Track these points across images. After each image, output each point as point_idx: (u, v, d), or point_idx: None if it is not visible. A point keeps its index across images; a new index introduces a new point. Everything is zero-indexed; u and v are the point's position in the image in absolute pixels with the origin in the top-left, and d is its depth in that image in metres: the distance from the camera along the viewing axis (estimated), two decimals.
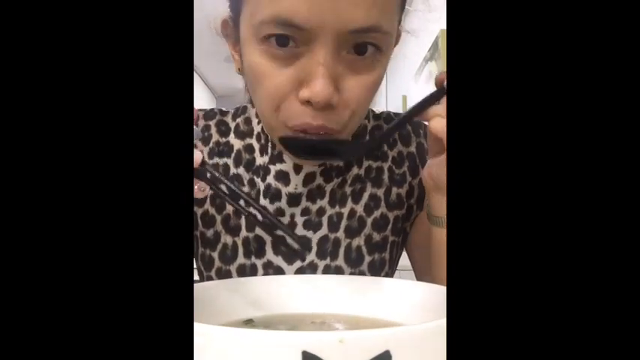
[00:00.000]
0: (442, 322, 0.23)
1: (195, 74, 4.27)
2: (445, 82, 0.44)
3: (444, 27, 1.57)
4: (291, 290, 0.42)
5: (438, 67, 1.70)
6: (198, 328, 0.23)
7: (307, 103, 0.42)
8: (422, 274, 0.61)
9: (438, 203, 0.48)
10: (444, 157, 0.45)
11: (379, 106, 3.24)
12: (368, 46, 0.42)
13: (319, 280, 0.44)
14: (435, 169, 0.47)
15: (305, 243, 0.55)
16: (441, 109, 0.44)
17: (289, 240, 0.42)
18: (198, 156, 0.39)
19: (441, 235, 0.49)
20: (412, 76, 2.21)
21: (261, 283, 0.42)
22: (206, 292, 0.39)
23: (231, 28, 0.48)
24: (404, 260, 0.64)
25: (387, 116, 0.61)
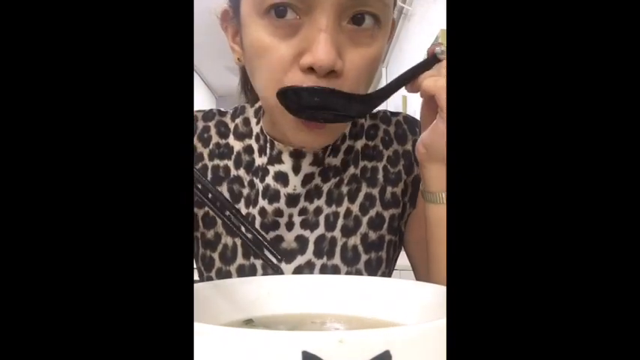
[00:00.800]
0: (442, 322, 0.23)
1: (195, 74, 4.27)
2: (436, 51, 0.44)
3: (444, 27, 1.56)
4: (291, 290, 0.42)
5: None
6: (198, 328, 0.23)
7: (310, 70, 0.42)
8: (421, 273, 0.61)
9: (433, 176, 0.47)
10: (437, 124, 0.45)
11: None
12: (366, 17, 0.43)
13: (319, 280, 0.44)
14: (429, 137, 0.46)
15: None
16: (432, 72, 0.45)
17: (268, 254, 0.40)
18: None
19: (437, 212, 0.47)
20: None
21: (260, 282, 0.42)
22: (206, 292, 0.39)
23: (230, 18, 0.49)
24: (404, 260, 0.64)
25: (384, 115, 0.61)
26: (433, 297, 0.37)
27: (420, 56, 2.03)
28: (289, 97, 0.43)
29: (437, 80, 0.44)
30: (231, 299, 0.40)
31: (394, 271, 0.64)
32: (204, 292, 0.39)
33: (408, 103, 2.49)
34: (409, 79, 0.46)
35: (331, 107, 0.44)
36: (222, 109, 0.61)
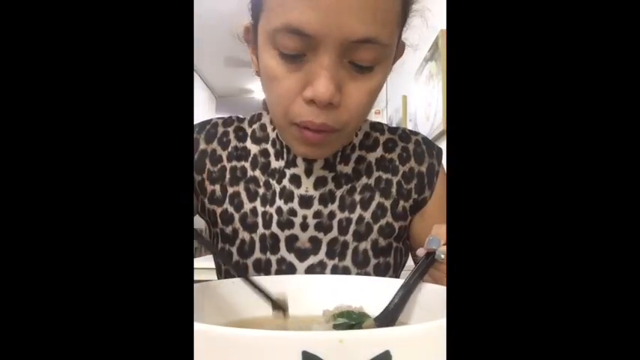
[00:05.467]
0: (442, 322, 0.23)
1: (195, 74, 4.27)
2: (437, 255, 0.42)
3: (444, 27, 1.57)
4: (291, 290, 0.42)
5: (437, 67, 1.70)
6: (198, 328, 0.23)
7: (311, 102, 0.47)
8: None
9: None
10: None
11: (379, 105, 3.24)
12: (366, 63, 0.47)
13: (319, 280, 0.44)
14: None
15: (299, 253, 0.58)
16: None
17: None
18: None
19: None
20: (412, 76, 2.21)
21: (260, 283, 0.42)
22: (208, 292, 0.39)
23: (252, 34, 0.54)
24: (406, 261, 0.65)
25: (402, 133, 0.65)
26: (433, 297, 0.37)
27: (420, 55, 2.03)
28: None
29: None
30: (232, 299, 0.40)
31: None
32: (206, 291, 0.39)
33: (408, 102, 2.49)
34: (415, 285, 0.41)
35: None
36: (240, 116, 0.67)
